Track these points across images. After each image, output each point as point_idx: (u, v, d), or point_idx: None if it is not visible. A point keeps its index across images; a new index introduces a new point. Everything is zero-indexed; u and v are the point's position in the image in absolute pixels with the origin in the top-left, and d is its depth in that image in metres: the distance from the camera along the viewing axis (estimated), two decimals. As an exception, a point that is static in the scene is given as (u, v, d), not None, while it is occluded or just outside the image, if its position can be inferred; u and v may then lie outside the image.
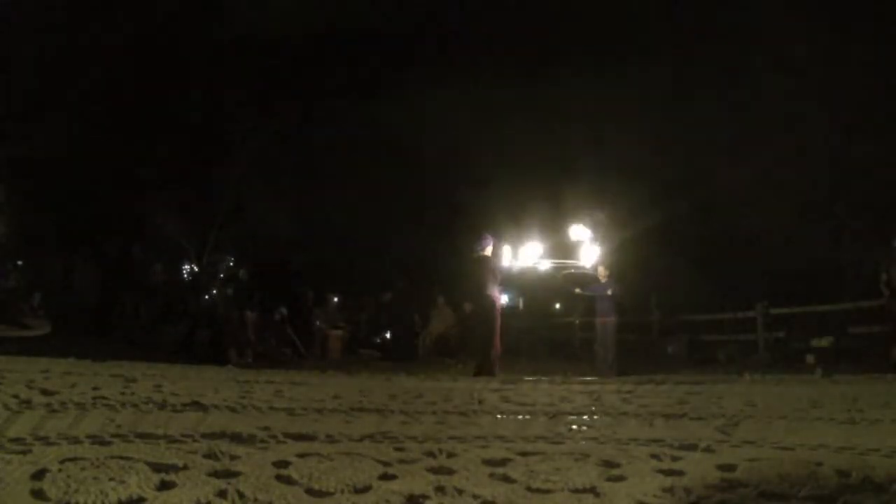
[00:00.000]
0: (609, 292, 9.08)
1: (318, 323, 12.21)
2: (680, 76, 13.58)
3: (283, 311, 11.50)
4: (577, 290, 9.01)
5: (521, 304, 16.25)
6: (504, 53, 16.05)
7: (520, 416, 3.53)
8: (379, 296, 13.95)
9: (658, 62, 13.89)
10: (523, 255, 8.00)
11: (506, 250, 7.82)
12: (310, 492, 1.87)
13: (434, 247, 17.08)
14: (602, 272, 8.96)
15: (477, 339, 7.79)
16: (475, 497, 1.88)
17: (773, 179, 13.74)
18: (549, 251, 8.24)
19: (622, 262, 9.21)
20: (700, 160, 14.15)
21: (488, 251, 7.66)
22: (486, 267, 7.58)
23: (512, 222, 8.38)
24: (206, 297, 13.04)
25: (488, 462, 2.30)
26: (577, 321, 14.07)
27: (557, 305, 16.18)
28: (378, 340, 13.12)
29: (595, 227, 8.29)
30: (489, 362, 7.34)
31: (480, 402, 4.07)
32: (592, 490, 1.97)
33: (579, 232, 8.26)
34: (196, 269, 14.79)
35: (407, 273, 15.05)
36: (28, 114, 11.76)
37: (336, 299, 13.57)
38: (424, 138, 15.22)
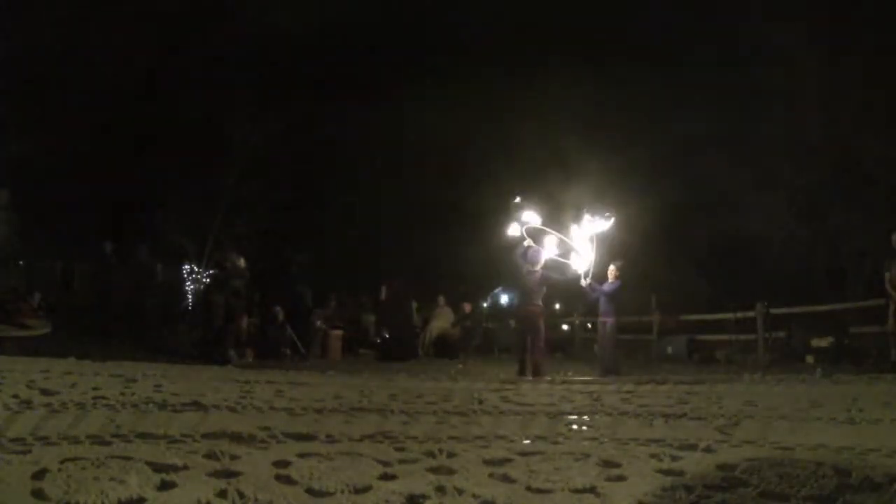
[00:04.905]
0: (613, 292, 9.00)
1: (318, 323, 12.17)
2: (680, 75, 13.59)
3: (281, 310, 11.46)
4: (584, 284, 8.88)
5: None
6: (503, 54, 16.09)
7: (520, 416, 3.52)
8: (378, 295, 13.93)
9: (658, 61, 13.91)
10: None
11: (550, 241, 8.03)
12: (310, 491, 1.88)
13: (434, 246, 17.11)
14: (611, 272, 8.90)
15: (519, 344, 8.18)
16: (475, 497, 1.88)
17: (773, 179, 13.75)
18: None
19: (624, 263, 9.15)
20: (700, 160, 14.16)
21: (540, 264, 7.89)
22: (537, 280, 7.91)
23: (511, 221, 8.35)
24: (206, 297, 13.02)
25: (488, 462, 2.30)
26: (578, 321, 14.05)
27: (557, 306, 16.15)
28: (378, 340, 13.09)
29: (600, 227, 8.26)
30: (530, 364, 7.70)
31: (480, 402, 4.07)
32: (592, 490, 1.97)
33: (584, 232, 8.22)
34: (196, 269, 14.79)
35: (407, 272, 15.03)
36: (29, 115, 11.77)
37: (336, 299, 13.53)
38: (425, 138, 15.23)
